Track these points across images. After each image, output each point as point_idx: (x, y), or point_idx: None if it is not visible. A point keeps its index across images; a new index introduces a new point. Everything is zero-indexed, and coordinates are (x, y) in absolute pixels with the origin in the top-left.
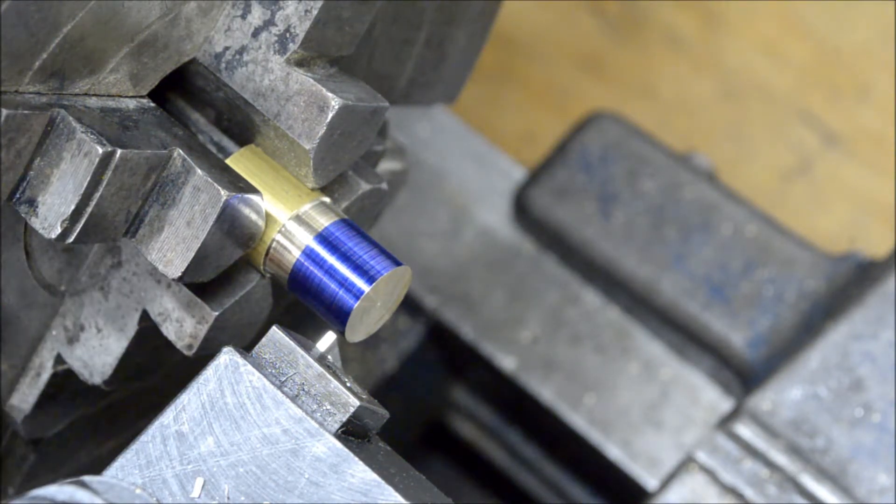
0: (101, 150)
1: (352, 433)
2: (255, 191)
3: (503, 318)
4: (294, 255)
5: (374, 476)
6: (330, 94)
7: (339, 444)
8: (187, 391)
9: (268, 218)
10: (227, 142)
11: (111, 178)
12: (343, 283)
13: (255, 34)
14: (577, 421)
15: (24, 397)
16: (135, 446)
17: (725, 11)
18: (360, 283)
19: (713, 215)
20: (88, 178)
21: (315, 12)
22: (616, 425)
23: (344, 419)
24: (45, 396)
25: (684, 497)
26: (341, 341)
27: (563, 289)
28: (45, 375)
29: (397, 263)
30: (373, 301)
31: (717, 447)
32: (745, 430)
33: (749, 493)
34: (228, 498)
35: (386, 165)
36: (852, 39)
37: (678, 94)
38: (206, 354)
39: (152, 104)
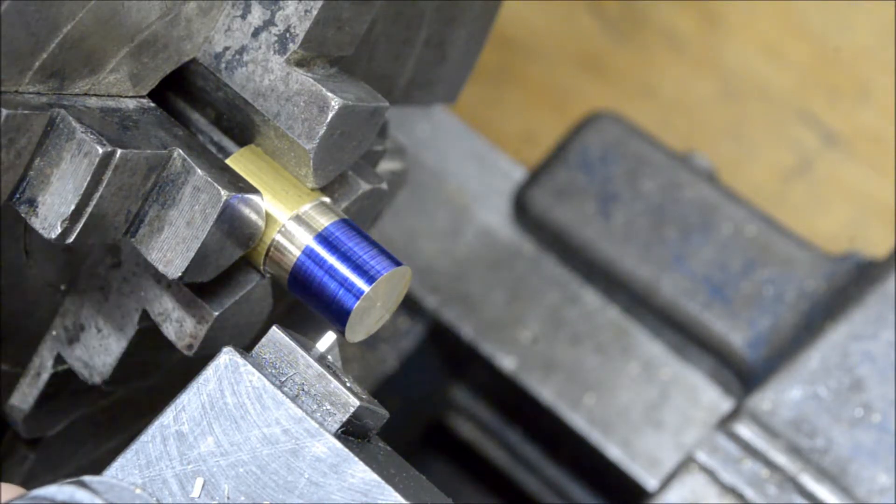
0: (101, 150)
1: (352, 433)
2: (255, 191)
3: (503, 318)
4: (294, 254)
5: (374, 476)
6: (330, 94)
7: (339, 444)
8: (187, 391)
9: (268, 218)
10: (227, 142)
11: (111, 178)
12: (343, 283)
13: (255, 34)
14: (577, 421)
15: (24, 397)
16: (135, 446)
17: (725, 11)
18: (360, 283)
19: (713, 215)
20: (88, 178)
21: (315, 12)
22: (616, 425)
23: (344, 419)
24: (45, 396)
25: (684, 497)
26: (341, 341)
27: (563, 289)
28: (45, 375)
29: (397, 263)
30: (373, 301)
31: (717, 447)
32: (745, 430)
33: (749, 493)
34: (228, 498)
35: (386, 165)
36: (852, 40)
37: (678, 94)
38: (206, 354)
39: (152, 104)
